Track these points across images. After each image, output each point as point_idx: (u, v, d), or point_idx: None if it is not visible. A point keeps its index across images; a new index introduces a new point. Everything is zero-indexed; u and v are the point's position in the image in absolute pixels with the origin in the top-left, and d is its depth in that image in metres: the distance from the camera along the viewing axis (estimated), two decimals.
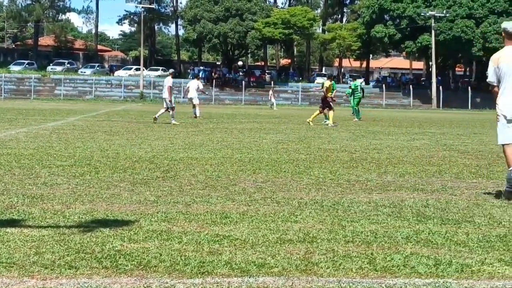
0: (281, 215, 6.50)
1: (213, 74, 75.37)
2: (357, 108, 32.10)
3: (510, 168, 7.79)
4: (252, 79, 76.77)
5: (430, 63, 74.19)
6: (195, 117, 28.88)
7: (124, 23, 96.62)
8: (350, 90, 33.17)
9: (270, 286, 4.20)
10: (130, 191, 7.86)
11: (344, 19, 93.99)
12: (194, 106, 29.79)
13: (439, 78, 73.85)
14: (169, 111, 25.26)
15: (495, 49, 60.58)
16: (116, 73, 79.47)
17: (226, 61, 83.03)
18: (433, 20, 68.52)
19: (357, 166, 11.20)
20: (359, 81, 34.35)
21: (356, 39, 77.77)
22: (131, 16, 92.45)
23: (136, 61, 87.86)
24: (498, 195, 8.09)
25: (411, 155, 13.52)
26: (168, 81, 25.94)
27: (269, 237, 5.53)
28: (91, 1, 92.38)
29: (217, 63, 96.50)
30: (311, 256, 4.94)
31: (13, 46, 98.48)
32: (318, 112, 26.77)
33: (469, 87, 73.40)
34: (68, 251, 4.93)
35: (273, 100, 55.53)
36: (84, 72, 77.61)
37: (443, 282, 4.37)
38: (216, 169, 10.37)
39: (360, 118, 31.55)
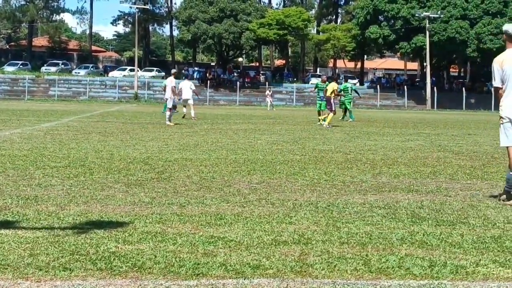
0: (275, 217, 6.50)
1: (207, 74, 75.32)
2: (348, 108, 32.11)
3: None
4: (246, 80, 76.76)
5: (425, 64, 74.26)
6: (190, 117, 28.86)
7: (118, 23, 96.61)
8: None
9: None
10: (125, 193, 7.85)
11: (339, 20, 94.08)
12: (185, 106, 29.83)
13: (434, 79, 73.96)
14: (171, 111, 25.24)
15: (490, 50, 60.55)
16: (111, 73, 79.33)
17: (221, 62, 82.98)
18: (427, 21, 68.60)
19: (351, 167, 11.21)
20: (350, 83, 34.32)
21: (351, 40, 77.84)
22: (126, 17, 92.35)
23: (130, 61, 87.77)
24: (493, 196, 8.11)
25: (405, 156, 13.54)
26: (171, 81, 25.91)
27: (264, 238, 5.53)
28: (85, 1, 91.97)
29: (212, 63, 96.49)
30: (306, 257, 4.94)
31: (7, 46, 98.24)
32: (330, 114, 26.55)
33: (463, 88, 73.55)
34: (63, 252, 4.92)
35: (269, 100, 55.53)
36: (78, 73, 77.41)
37: (438, 284, 4.37)
38: (211, 170, 10.37)
39: (353, 119, 31.62)
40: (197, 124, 25.22)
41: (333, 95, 26.14)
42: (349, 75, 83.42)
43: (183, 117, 29.06)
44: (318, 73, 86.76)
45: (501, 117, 7.93)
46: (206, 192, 8.06)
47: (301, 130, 23.14)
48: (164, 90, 26.48)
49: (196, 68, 79.45)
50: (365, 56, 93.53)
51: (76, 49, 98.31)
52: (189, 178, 9.28)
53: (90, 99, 66.96)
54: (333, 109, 26.07)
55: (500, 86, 7.88)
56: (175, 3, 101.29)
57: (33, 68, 78.53)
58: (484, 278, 4.55)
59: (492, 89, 8.13)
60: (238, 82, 73.09)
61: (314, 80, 71.28)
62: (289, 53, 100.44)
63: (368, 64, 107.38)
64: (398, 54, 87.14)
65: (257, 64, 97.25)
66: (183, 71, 75.82)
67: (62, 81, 71.31)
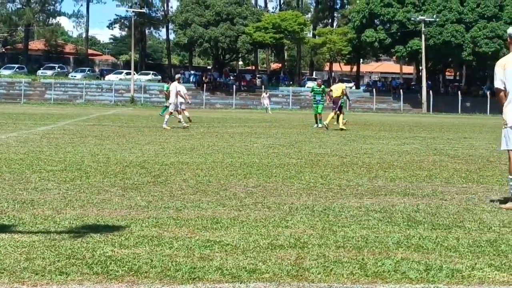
0: (272, 220, 6.51)
1: (204, 78, 75.31)
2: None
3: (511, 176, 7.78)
4: (243, 83, 76.77)
5: (420, 67, 74.33)
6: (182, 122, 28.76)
7: (114, 27, 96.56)
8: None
9: None
10: (121, 196, 7.84)
11: (335, 24, 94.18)
12: (180, 112, 29.77)
13: (429, 82, 74.05)
14: (173, 114, 25.30)
15: (485, 54, 60.44)
16: (107, 77, 79.31)
17: (217, 65, 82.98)
18: (423, 25, 68.72)
19: (348, 171, 11.22)
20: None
21: (347, 43, 77.94)
22: (122, 20, 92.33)
23: (126, 65, 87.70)
24: (492, 200, 8.13)
25: (401, 160, 13.55)
26: (176, 86, 25.94)
27: (260, 242, 5.53)
28: (81, 5, 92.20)
29: (208, 67, 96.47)
30: (302, 261, 4.94)
31: (3, 50, 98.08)
32: (340, 115, 26.56)
33: (459, 92, 73.61)
34: (59, 257, 4.92)
35: (266, 103, 55.52)
36: (75, 76, 77.33)
37: None
38: (207, 174, 10.37)
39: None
40: (193, 127, 25.19)
41: (341, 95, 26.33)
42: (345, 78, 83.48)
43: (179, 121, 28.97)
44: (314, 76, 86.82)
45: (504, 121, 7.89)
46: (202, 195, 8.07)
47: (297, 133, 23.15)
48: (167, 94, 26.64)
49: (192, 72, 79.43)
50: (361, 59, 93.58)
51: (72, 52, 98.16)
52: (185, 182, 9.28)
53: (86, 103, 66.89)
54: (337, 110, 26.15)
55: (502, 88, 7.85)
56: (171, 7, 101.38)
57: (29, 72, 78.41)
58: (480, 282, 4.56)
59: (495, 90, 8.09)
60: (234, 86, 73.10)
61: (310, 84, 71.34)
62: (285, 56, 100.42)
63: (364, 67, 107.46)
64: (394, 57, 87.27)
65: (253, 67, 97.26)
66: (179, 74, 75.67)
67: (58, 85, 71.21)
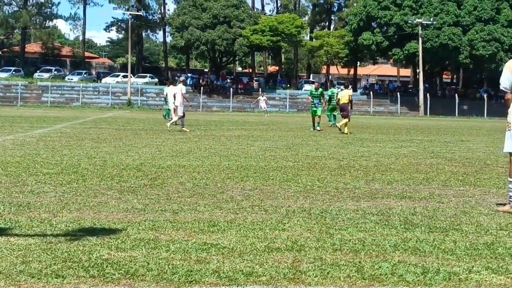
0: (269, 223, 6.50)
1: (201, 81, 75.34)
2: (330, 113, 31.98)
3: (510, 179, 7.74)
4: (240, 86, 76.80)
5: (418, 70, 74.44)
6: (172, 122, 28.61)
7: (111, 30, 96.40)
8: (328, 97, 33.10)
9: None
10: (118, 199, 7.83)
11: (332, 27, 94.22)
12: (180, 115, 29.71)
13: (426, 85, 74.14)
14: (177, 116, 25.49)
15: (482, 57, 60.56)
16: (104, 80, 79.23)
17: (214, 68, 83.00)
18: (420, 28, 68.82)
19: (345, 174, 11.22)
20: (337, 89, 34.27)
21: (344, 46, 78.00)
22: (119, 23, 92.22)
23: (123, 68, 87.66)
24: (487, 203, 8.13)
25: (398, 163, 13.56)
26: (182, 89, 25.99)
27: (257, 245, 5.52)
28: (78, 8, 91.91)
29: (205, 70, 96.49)
30: (299, 264, 4.94)
31: (0, 53, 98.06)
32: (346, 120, 26.45)
33: (456, 94, 73.76)
34: (55, 260, 4.90)
35: (263, 106, 55.52)
36: (71, 79, 77.25)
37: None
38: (204, 176, 10.36)
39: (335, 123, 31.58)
40: (190, 130, 25.20)
41: (348, 102, 26.19)
42: (342, 81, 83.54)
43: (175, 124, 28.95)
44: (311, 79, 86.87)
45: (508, 123, 7.83)
46: (199, 198, 8.06)
47: (294, 136, 23.15)
48: (171, 97, 26.82)
49: (189, 75, 79.36)
50: (358, 62, 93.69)
51: (69, 55, 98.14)
52: (182, 185, 9.28)
53: (83, 106, 66.85)
54: (349, 115, 26.01)
55: (508, 88, 7.75)
56: (168, 10, 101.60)
57: (26, 74, 78.35)
58: (477, 284, 4.55)
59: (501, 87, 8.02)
60: (231, 89, 73.12)
61: (307, 87, 71.43)
62: (282, 59, 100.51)
63: (361, 70, 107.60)
64: (391, 60, 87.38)
65: (250, 70, 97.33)
66: (176, 77, 75.71)
67: (55, 87, 71.16)
